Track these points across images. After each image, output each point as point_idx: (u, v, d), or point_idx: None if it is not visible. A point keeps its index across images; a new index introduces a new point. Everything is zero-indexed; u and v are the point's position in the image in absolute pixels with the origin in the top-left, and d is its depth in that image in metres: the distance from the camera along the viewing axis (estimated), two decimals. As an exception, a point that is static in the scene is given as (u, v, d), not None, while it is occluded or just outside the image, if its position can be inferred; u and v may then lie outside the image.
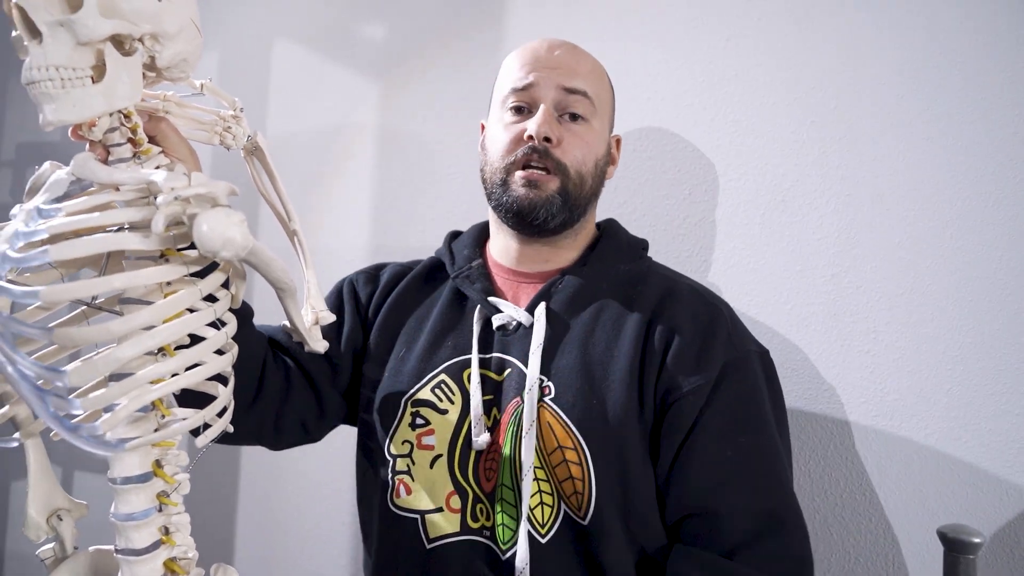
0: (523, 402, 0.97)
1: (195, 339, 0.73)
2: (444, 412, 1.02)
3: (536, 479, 0.96)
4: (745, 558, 0.92)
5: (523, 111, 1.04)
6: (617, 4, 1.40)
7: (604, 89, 1.08)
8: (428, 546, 1.00)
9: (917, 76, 1.18)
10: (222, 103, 0.88)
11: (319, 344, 0.97)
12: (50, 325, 0.72)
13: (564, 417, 0.96)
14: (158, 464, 0.73)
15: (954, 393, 1.15)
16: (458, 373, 1.03)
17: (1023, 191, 1.12)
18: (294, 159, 1.67)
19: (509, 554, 0.96)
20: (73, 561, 0.80)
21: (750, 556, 0.92)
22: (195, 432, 0.74)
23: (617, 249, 1.10)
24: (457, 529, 0.99)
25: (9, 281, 0.68)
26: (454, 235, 1.19)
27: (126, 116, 0.73)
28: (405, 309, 1.12)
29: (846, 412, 1.21)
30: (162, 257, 0.75)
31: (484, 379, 1.02)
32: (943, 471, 1.16)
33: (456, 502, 1.00)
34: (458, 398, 1.02)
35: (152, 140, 0.79)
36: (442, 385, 1.03)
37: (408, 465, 1.03)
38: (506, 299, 1.07)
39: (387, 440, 1.05)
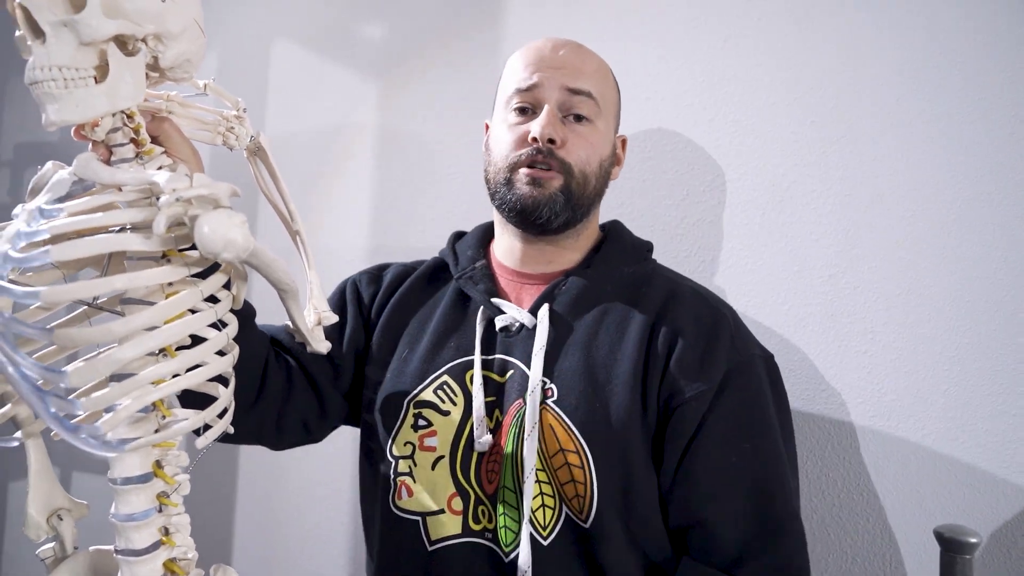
0: (525, 404, 0.97)
1: (196, 340, 0.73)
2: (446, 413, 1.02)
3: (538, 481, 0.96)
4: (750, 570, 0.92)
5: (527, 112, 1.03)
6: (617, 4, 1.40)
7: (609, 89, 1.07)
8: (430, 548, 1.00)
9: (917, 76, 1.19)
10: (225, 103, 0.88)
11: (322, 345, 0.96)
12: (51, 325, 0.72)
13: (567, 420, 0.96)
14: (158, 465, 0.73)
15: (951, 393, 1.16)
16: (460, 374, 1.03)
17: (1022, 192, 1.13)
18: (294, 159, 1.67)
19: (511, 556, 0.96)
20: (73, 561, 0.80)
21: (754, 568, 0.93)
22: (196, 432, 0.74)
23: (621, 251, 1.10)
24: (459, 531, 0.99)
25: (11, 281, 0.68)
26: (458, 235, 1.19)
27: (129, 116, 0.73)
28: (408, 310, 1.12)
29: (843, 412, 1.22)
30: (164, 258, 0.75)
31: (486, 380, 1.02)
32: (940, 471, 1.16)
33: (458, 504, 1.00)
34: (460, 399, 1.02)
35: (155, 140, 0.79)
36: (444, 386, 1.03)
37: (410, 467, 1.02)
38: (509, 300, 1.07)
39: (389, 441, 1.05)
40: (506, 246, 1.10)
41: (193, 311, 0.73)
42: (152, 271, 0.70)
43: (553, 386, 0.98)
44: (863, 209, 1.21)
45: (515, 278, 1.09)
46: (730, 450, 0.96)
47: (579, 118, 1.03)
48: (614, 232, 1.13)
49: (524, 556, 0.93)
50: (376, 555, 1.07)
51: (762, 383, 1.00)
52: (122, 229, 0.72)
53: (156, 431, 0.72)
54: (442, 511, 1.00)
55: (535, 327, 1.02)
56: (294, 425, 1.09)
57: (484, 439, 0.98)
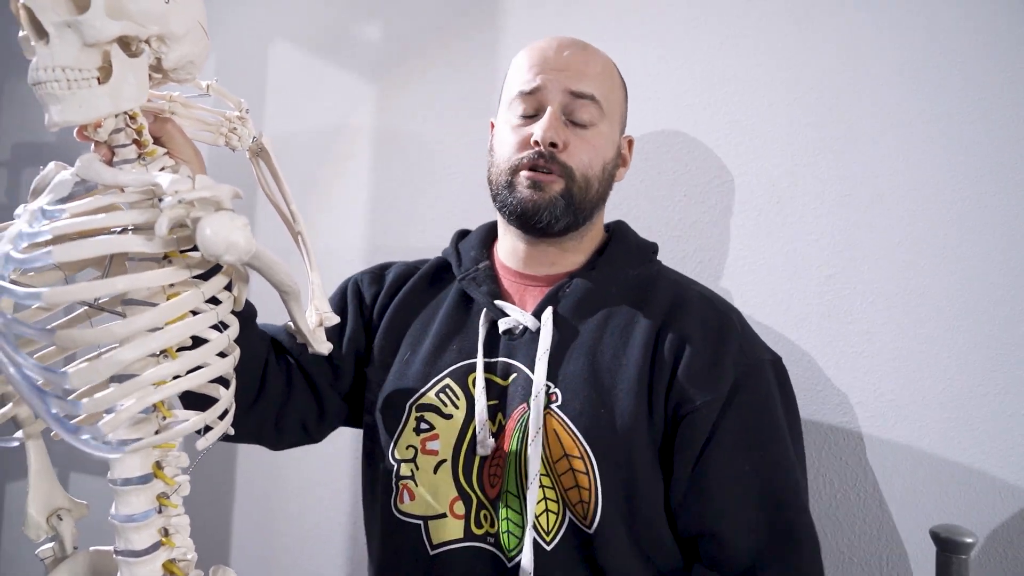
0: (529, 409, 0.97)
1: (197, 341, 0.73)
2: (449, 417, 1.01)
3: (541, 486, 0.96)
4: None
5: (530, 114, 1.02)
6: (616, 4, 1.40)
7: (615, 90, 1.06)
8: (432, 552, 0.99)
9: (917, 76, 1.19)
10: (227, 104, 0.88)
11: (323, 346, 0.96)
12: (51, 326, 0.72)
13: (571, 425, 0.96)
14: (158, 466, 0.73)
15: (948, 394, 1.16)
16: (463, 377, 1.02)
17: (1022, 192, 1.13)
18: (293, 160, 1.67)
19: (514, 561, 0.95)
20: (72, 561, 0.80)
21: None
22: (196, 432, 0.74)
23: (626, 252, 1.09)
24: (461, 535, 0.99)
25: (12, 282, 0.68)
26: (461, 234, 1.18)
27: (132, 117, 0.73)
28: (411, 311, 1.11)
29: (840, 413, 1.22)
30: (165, 259, 0.75)
31: (489, 384, 1.01)
32: (936, 471, 1.16)
33: (460, 508, 0.99)
34: (463, 403, 1.01)
35: (157, 141, 0.79)
36: (447, 389, 1.03)
37: (412, 470, 1.02)
38: (513, 302, 1.06)
39: (391, 444, 1.04)
40: (509, 247, 1.09)
41: (195, 312, 0.73)
42: (154, 273, 0.70)
43: (557, 390, 0.98)
44: (862, 209, 1.21)
45: (518, 279, 1.08)
46: (742, 458, 0.95)
47: (582, 121, 1.01)
48: (619, 233, 1.12)
49: (527, 561, 0.93)
50: (377, 558, 1.07)
51: (771, 387, 0.99)
52: (124, 230, 0.72)
53: (156, 432, 0.72)
54: (444, 515, 0.99)
55: (539, 330, 1.01)
56: (293, 426, 1.09)
57: (487, 443, 0.98)
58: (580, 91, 1.00)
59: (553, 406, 0.97)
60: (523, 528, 0.95)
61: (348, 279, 1.18)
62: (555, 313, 1.02)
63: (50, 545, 0.82)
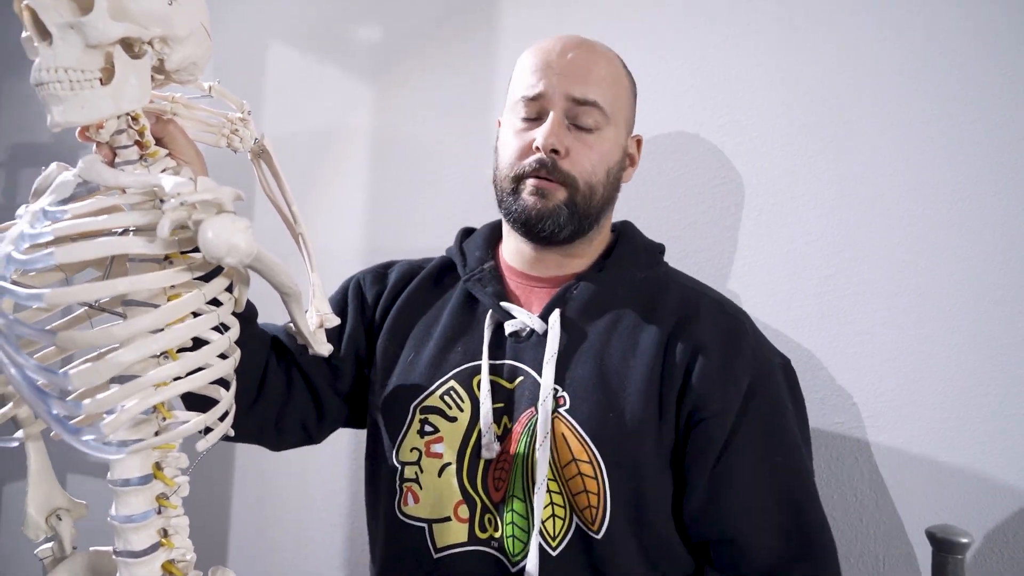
0: (537, 413, 0.96)
1: (198, 342, 0.73)
2: (453, 420, 1.01)
3: (548, 491, 0.95)
4: None
5: (534, 117, 1.01)
6: (615, 4, 1.40)
7: (621, 92, 1.04)
8: (435, 556, 0.99)
9: (917, 76, 1.19)
10: (230, 106, 0.88)
11: (323, 348, 0.96)
12: (51, 326, 0.72)
13: (580, 430, 0.95)
14: (158, 467, 0.73)
15: (944, 395, 1.16)
16: (468, 379, 1.01)
17: (1020, 194, 1.13)
18: (291, 160, 1.67)
19: (518, 566, 0.95)
20: (71, 562, 0.80)
21: None
22: (200, 432, 0.74)
23: (633, 254, 1.08)
24: (465, 539, 0.98)
25: (13, 282, 0.68)
26: (466, 233, 1.17)
27: (134, 118, 0.73)
28: (415, 311, 1.10)
29: (837, 413, 1.22)
30: (166, 260, 0.75)
31: (495, 386, 1.00)
32: (933, 472, 1.17)
33: (464, 512, 0.98)
34: (468, 405, 1.00)
35: (159, 142, 0.79)
36: (451, 392, 1.02)
37: (416, 473, 1.01)
38: (518, 303, 1.05)
39: (395, 447, 1.03)
40: (514, 248, 1.08)
41: (196, 314, 0.73)
42: (155, 274, 0.70)
43: (565, 394, 0.97)
44: (862, 209, 1.21)
45: (524, 280, 1.07)
46: (759, 465, 0.95)
47: (586, 126, 1.00)
48: (626, 234, 1.11)
49: (532, 566, 0.92)
50: (380, 560, 1.06)
51: (782, 392, 0.99)
52: (125, 231, 0.72)
53: (157, 433, 0.72)
54: (448, 519, 0.99)
55: (546, 333, 1.00)
56: (293, 426, 1.08)
57: (492, 447, 0.97)
58: (583, 98, 0.99)
59: (561, 410, 0.96)
60: (528, 533, 0.95)
61: (350, 278, 1.17)
62: (562, 316, 1.01)
63: (49, 545, 0.82)
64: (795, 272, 1.25)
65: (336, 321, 0.99)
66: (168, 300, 0.73)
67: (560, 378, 0.97)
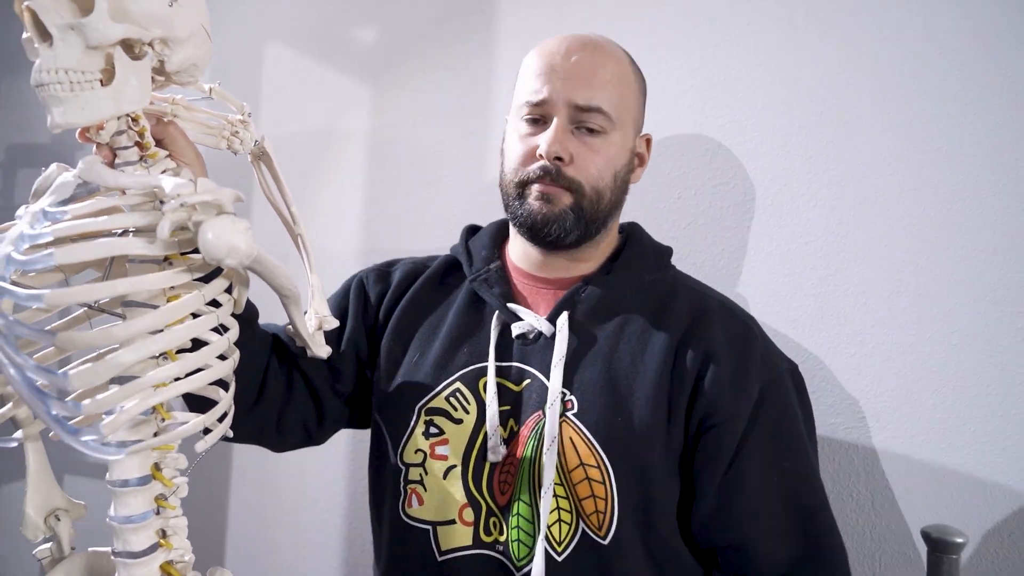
0: (544, 416, 0.95)
1: (197, 343, 0.73)
2: (459, 422, 1.00)
3: (555, 496, 0.94)
4: None
5: (538, 121, 0.99)
6: (613, 5, 1.40)
7: (627, 93, 1.01)
8: (439, 558, 0.98)
9: (917, 76, 1.19)
10: (230, 108, 0.88)
11: (322, 350, 0.96)
12: (51, 327, 0.72)
13: (588, 434, 0.94)
14: (157, 467, 0.73)
15: (940, 395, 1.17)
16: (474, 381, 1.00)
17: (1015, 194, 1.14)
18: (288, 162, 1.66)
19: (523, 571, 0.94)
20: (69, 562, 0.80)
21: None
22: (202, 432, 0.74)
23: (642, 256, 1.06)
24: (470, 543, 0.97)
25: (13, 283, 0.68)
26: (471, 231, 1.15)
27: (134, 120, 0.73)
28: (420, 311, 1.09)
29: (833, 414, 1.22)
30: (166, 261, 0.75)
31: (501, 389, 0.99)
32: (928, 472, 1.17)
33: (469, 515, 0.98)
34: (473, 408, 0.99)
35: (160, 143, 0.79)
36: (457, 394, 1.01)
37: (421, 475, 1.00)
38: (525, 304, 1.04)
39: (399, 448, 1.02)
40: (521, 250, 1.07)
41: (195, 315, 0.73)
42: (155, 275, 0.71)
43: (573, 398, 0.96)
44: (862, 209, 1.22)
45: (531, 281, 1.06)
46: (769, 471, 0.95)
47: (592, 128, 0.98)
48: (634, 236, 1.09)
49: (537, 571, 0.91)
50: (383, 562, 1.05)
51: (791, 398, 0.99)
52: (125, 232, 0.72)
53: (155, 434, 0.72)
54: (453, 521, 0.98)
55: (553, 335, 0.99)
56: (294, 428, 1.07)
57: (498, 450, 0.96)
58: (587, 104, 0.96)
59: (569, 414, 0.95)
60: (534, 537, 0.94)
61: (352, 276, 1.15)
62: (570, 319, 1.00)
63: (48, 546, 0.82)
64: (794, 272, 1.26)
65: (335, 323, 0.99)
66: (168, 301, 0.73)
67: (568, 382, 0.97)
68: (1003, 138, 1.14)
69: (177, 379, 0.71)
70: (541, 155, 0.97)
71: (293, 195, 0.94)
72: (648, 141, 1.08)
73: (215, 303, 0.76)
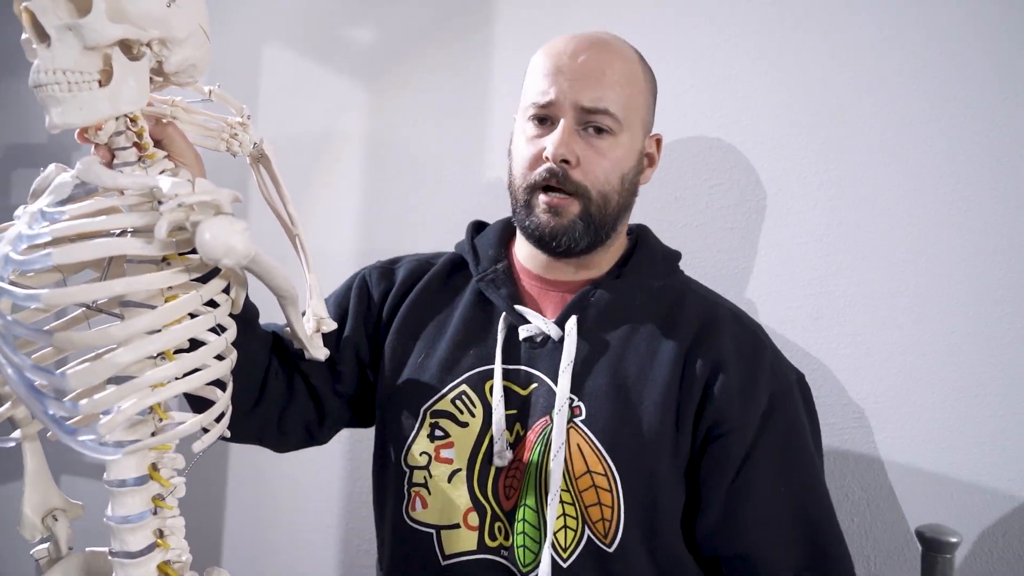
0: (552, 422, 0.94)
1: (195, 343, 0.74)
2: (465, 425, 0.99)
3: (561, 502, 0.93)
4: None
5: (545, 122, 0.97)
6: (611, 6, 1.39)
7: (636, 94, 0.99)
8: (443, 563, 0.97)
9: (917, 76, 1.19)
10: (230, 110, 0.89)
11: (320, 352, 0.96)
12: (49, 327, 0.72)
13: (595, 441, 0.94)
14: (154, 467, 0.73)
15: (934, 395, 1.17)
16: (480, 384, 0.99)
17: (1015, 195, 1.14)
18: (287, 163, 1.65)
19: None
20: (67, 562, 0.80)
21: None
22: (203, 430, 0.75)
23: (651, 261, 1.05)
24: (474, 547, 0.96)
25: (11, 283, 0.69)
26: (477, 228, 1.13)
27: (132, 120, 0.73)
28: (425, 310, 1.07)
29: (828, 414, 1.22)
30: (164, 261, 0.75)
31: (508, 392, 0.98)
32: (922, 472, 1.18)
33: (474, 519, 0.97)
34: (479, 411, 0.98)
35: (158, 144, 0.79)
36: (463, 396, 1.00)
37: (425, 478, 0.99)
38: (532, 305, 1.02)
39: (404, 450, 1.01)
40: (528, 251, 1.04)
41: (193, 315, 0.73)
42: (152, 276, 0.71)
43: (581, 404, 0.95)
44: (862, 209, 1.22)
45: (538, 283, 1.04)
46: (775, 481, 0.94)
47: (599, 130, 0.96)
48: (644, 239, 1.08)
49: None
50: (386, 565, 1.05)
51: (799, 408, 0.98)
52: (123, 232, 0.72)
53: (153, 434, 0.72)
54: (458, 526, 0.97)
55: (561, 339, 0.97)
56: (296, 428, 1.06)
57: (505, 454, 0.95)
58: (593, 106, 0.95)
59: (577, 420, 0.95)
60: (539, 543, 0.94)
61: (356, 273, 1.13)
62: (579, 323, 0.98)
63: (45, 546, 0.82)
64: (792, 272, 1.26)
65: (333, 326, 0.98)
66: (165, 301, 0.73)
67: (576, 387, 0.96)
68: (1003, 138, 1.14)
69: (176, 379, 0.71)
70: (547, 157, 0.95)
71: (291, 196, 0.94)
72: (658, 141, 1.07)
73: (213, 303, 0.76)
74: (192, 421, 0.73)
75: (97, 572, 0.80)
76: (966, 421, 1.15)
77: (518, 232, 1.06)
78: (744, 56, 1.30)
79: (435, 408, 1.00)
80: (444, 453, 0.99)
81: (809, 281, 1.24)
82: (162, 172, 0.76)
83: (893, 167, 1.20)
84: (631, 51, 1.02)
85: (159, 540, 0.73)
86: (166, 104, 0.82)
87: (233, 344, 0.78)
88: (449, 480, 0.98)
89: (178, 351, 0.73)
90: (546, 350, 0.99)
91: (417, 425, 1.01)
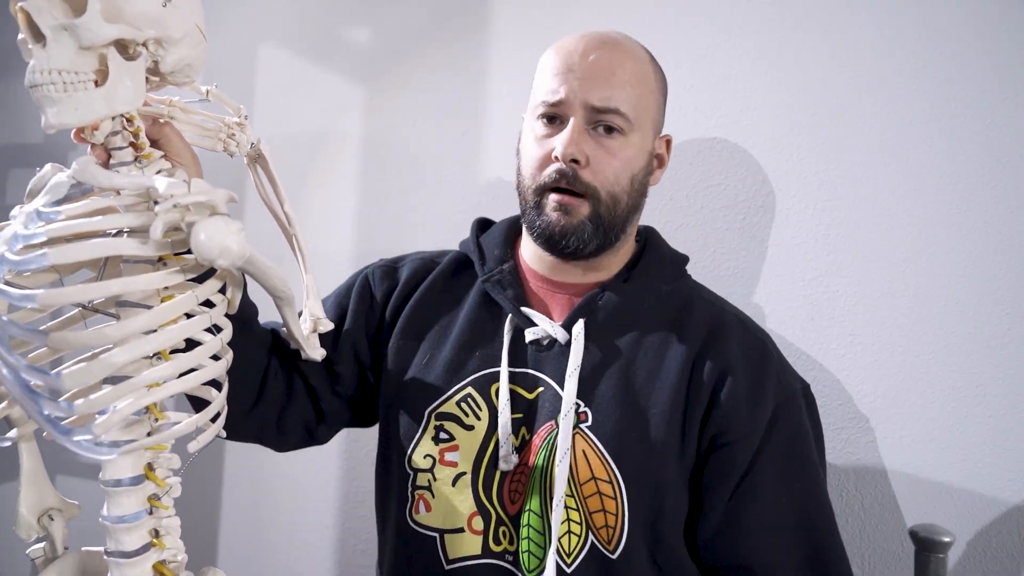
0: (557, 427, 0.93)
1: (190, 344, 0.74)
2: (470, 428, 0.98)
3: (566, 507, 0.93)
4: None
5: (555, 121, 0.96)
6: (609, 7, 1.39)
7: (646, 93, 0.98)
8: (447, 567, 0.96)
9: (917, 76, 1.19)
10: (227, 110, 0.89)
11: (316, 352, 0.96)
12: (45, 327, 0.72)
13: (601, 448, 0.93)
14: (150, 467, 0.73)
15: (929, 396, 1.18)
16: (486, 387, 0.98)
17: (1015, 195, 1.14)
18: (283, 163, 1.65)
19: None
20: (62, 562, 0.80)
21: None
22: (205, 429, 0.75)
23: (660, 264, 1.04)
24: (478, 552, 0.96)
25: (6, 283, 0.69)
26: (482, 225, 1.12)
27: (128, 120, 0.73)
28: (429, 311, 1.06)
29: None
30: (160, 261, 0.75)
31: (514, 396, 0.97)
32: (916, 472, 1.18)
33: (478, 523, 0.96)
34: (485, 414, 0.97)
35: (155, 144, 0.79)
36: (468, 399, 0.99)
37: (429, 480, 0.99)
38: (539, 307, 1.01)
39: (408, 452, 1.00)
40: (535, 252, 1.03)
41: (188, 315, 0.73)
42: (148, 276, 0.71)
43: (588, 410, 0.94)
44: (861, 209, 1.22)
45: (545, 284, 1.03)
46: (780, 491, 0.94)
47: (609, 129, 0.95)
48: (652, 242, 1.07)
49: None
50: (388, 568, 1.04)
51: (803, 418, 0.98)
52: (119, 233, 0.73)
53: (149, 434, 0.72)
54: (462, 530, 0.96)
55: (568, 343, 0.96)
56: (296, 428, 1.06)
57: (510, 459, 0.95)
58: (604, 106, 0.93)
59: (583, 426, 0.94)
60: (544, 549, 0.93)
61: (358, 272, 1.12)
62: (587, 327, 0.97)
63: (41, 545, 0.82)
64: (791, 272, 1.26)
65: (330, 326, 0.97)
66: (162, 301, 0.73)
67: (583, 392, 0.95)
68: (1003, 138, 1.14)
69: (172, 379, 0.71)
70: (556, 157, 0.94)
71: (289, 196, 0.94)
72: (668, 142, 1.05)
73: (209, 303, 0.76)
74: (188, 421, 0.73)
75: (93, 572, 0.80)
76: (964, 421, 1.15)
77: (524, 232, 1.05)
78: (744, 56, 1.30)
79: (440, 410, 0.99)
80: (448, 456, 0.98)
81: (809, 281, 1.24)
82: (159, 172, 0.76)
83: (893, 167, 1.20)
84: (642, 51, 1.01)
85: (155, 540, 0.73)
86: (163, 104, 0.82)
87: (230, 344, 0.78)
88: (453, 483, 0.97)
89: (174, 351, 0.73)
90: (552, 353, 0.98)
91: (421, 427, 1.00)
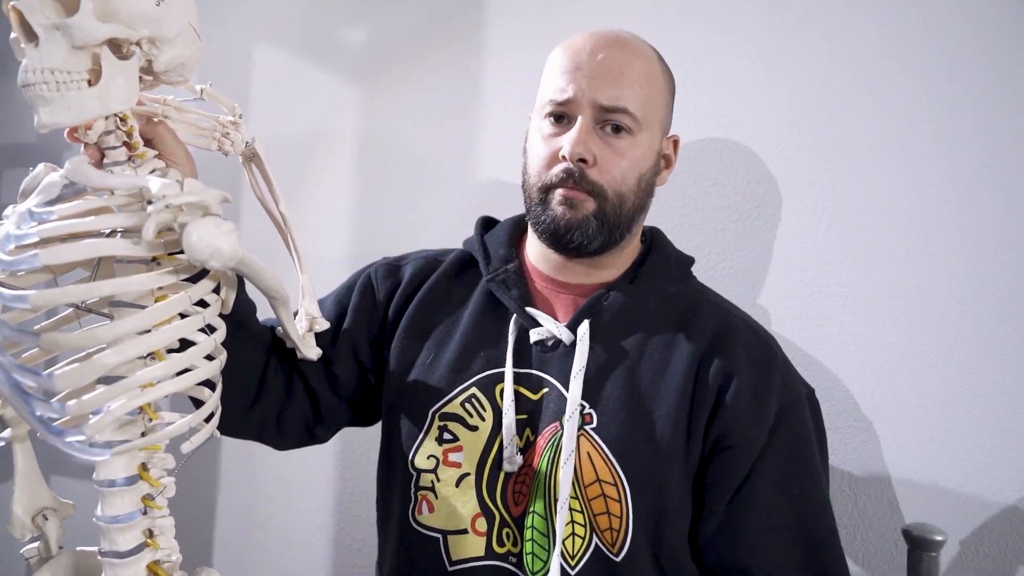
0: (562, 428, 0.93)
1: (184, 344, 0.73)
2: (474, 429, 0.97)
3: (570, 509, 0.92)
4: None
5: (563, 120, 0.95)
6: (606, 7, 1.39)
7: (655, 93, 0.97)
8: (450, 569, 0.96)
9: (917, 76, 1.19)
10: (222, 109, 0.88)
11: (312, 351, 0.96)
12: (38, 327, 0.72)
13: (606, 450, 0.93)
14: (144, 467, 0.73)
15: (922, 395, 1.18)
16: (490, 387, 0.98)
17: (1015, 195, 1.14)
18: (279, 163, 1.64)
19: None
20: (56, 562, 0.80)
21: None
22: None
23: (665, 265, 1.04)
24: (482, 553, 0.95)
25: (-1, 283, 0.69)
26: (486, 224, 1.11)
27: (122, 119, 0.73)
28: (433, 310, 1.05)
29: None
30: (154, 261, 0.75)
31: (518, 396, 0.96)
32: (909, 471, 1.18)
33: (482, 525, 0.96)
34: (489, 415, 0.97)
35: (149, 143, 0.78)
36: (473, 399, 0.98)
37: (432, 481, 0.98)
38: (544, 307, 1.01)
39: (411, 452, 1.00)
40: (540, 251, 1.03)
41: (182, 315, 0.73)
42: (141, 276, 0.70)
43: (593, 412, 0.94)
44: (861, 209, 1.22)
45: (550, 285, 1.02)
46: (780, 495, 0.94)
47: (617, 129, 0.94)
48: (658, 243, 1.06)
49: None
50: (389, 569, 1.04)
51: (807, 423, 0.97)
52: (112, 233, 0.72)
53: (143, 434, 0.72)
54: (465, 531, 0.96)
55: (573, 344, 0.96)
56: (295, 427, 1.05)
57: (515, 460, 0.94)
58: (612, 105, 0.93)
59: (588, 428, 0.94)
60: (548, 551, 0.93)
61: (360, 271, 1.12)
62: (592, 328, 0.96)
63: (35, 545, 0.82)
64: (791, 272, 1.26)
65: (326, 325, 0.97)
66: (155, 302, 0.73)
67: (587, 394, 0.94)
68: (1003, 138, 1.14)
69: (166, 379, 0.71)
70: (564, 156, 0.93)
71: (284, 196, 0.94)
72: (676, 142, 1.04)
73: (203, 303, 0.76)
74: (181, 422, 0.72)
75: (87, 571, 0.80)
76: (961, 421, 1.16)
77: (530, 231, 1.04)
78: (744, 56, 1.29)
79: (444, 411, 0.99)
80: (452, 457, 0.98)
81: (808, 281, 1.24)
82: (152, 172, 0.76)
83: (893, 167, 1.20)
84: (651, 50, 1.00)
85: (149, 540, 0.73)
86: (157, 103, 0.82)
87: (225, 343, 0.78)
88: (457, 484, 0.97)
89: (168, 351, 0.73)
90: (557, 354, 0.98)
91: (425, 428, 0.99)
